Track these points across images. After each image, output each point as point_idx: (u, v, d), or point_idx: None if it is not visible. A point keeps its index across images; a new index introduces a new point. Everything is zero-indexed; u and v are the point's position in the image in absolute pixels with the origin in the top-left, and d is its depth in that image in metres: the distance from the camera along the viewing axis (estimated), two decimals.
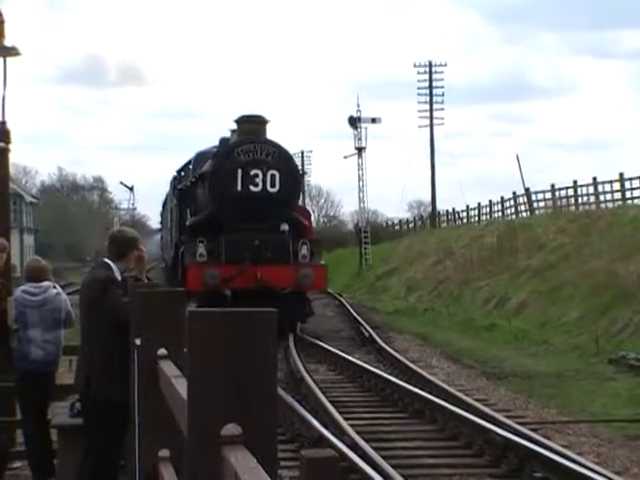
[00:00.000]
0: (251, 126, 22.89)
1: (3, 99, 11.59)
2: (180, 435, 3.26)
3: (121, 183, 69.03)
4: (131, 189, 68.14)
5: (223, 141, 24.40)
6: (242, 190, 21.98)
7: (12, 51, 11.60)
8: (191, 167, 27.23)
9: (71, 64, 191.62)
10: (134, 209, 67.75)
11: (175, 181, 30.23)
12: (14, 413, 10.25)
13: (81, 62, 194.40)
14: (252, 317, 2.57)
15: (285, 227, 23.23)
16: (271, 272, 21.18)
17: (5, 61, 11.43)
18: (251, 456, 2.35)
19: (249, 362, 2.52)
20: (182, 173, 29.47)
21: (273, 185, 22.05)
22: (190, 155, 28.29)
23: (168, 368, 4.41)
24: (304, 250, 22.28)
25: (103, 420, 7.62)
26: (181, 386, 3.28)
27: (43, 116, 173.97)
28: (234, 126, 24.00)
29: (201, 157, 26.09)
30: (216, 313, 2.57)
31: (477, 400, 14.13)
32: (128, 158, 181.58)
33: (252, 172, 21.84)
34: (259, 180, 21.87)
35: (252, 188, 21.93)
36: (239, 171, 21.87)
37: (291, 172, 23.16)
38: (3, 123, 11.48)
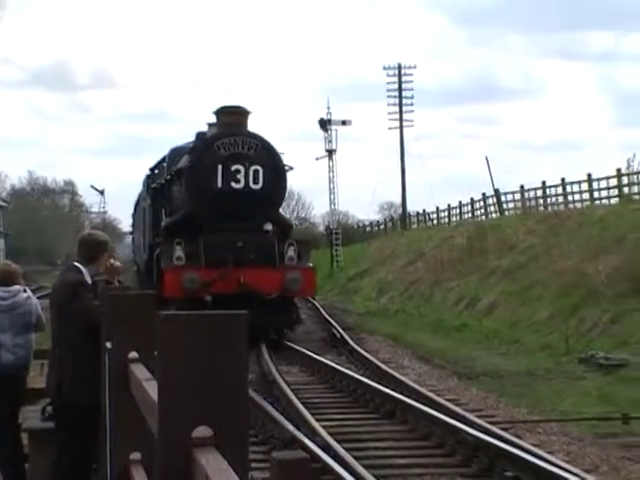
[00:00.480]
0: (231, 118, 21.15)
1: None
2: (151, 437, 3.25)
3: (92, 187, 70.01)
4: (102, 192, 68.91)
5: (200, 135, 22.51)
6: (222, 187, 20.35)
7: None
8: (165, 164, 24.91)
9: (40, 67, 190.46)
10: (105, 212, 68.53)
11: (149, 179, 27.58)
12: None
13: (50, 65, 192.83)
14: (224, 319, 2.55)
15: (269, 227, 21.74)
16: (255, 276, 19.43)
17: None
18: (222, 458, 2.32)
19: (220, 364, 2.51)
20: (156, 171, 27.02)
21: (256, 181, 20.38)
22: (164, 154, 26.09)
23: (139, 371, 4.41)
24: (291, 252, 20.40)
25: (74, 423, 7.67)
26: (152, 389, 3.26)
27: (12, 120, 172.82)
28: (211, 122, 22.53)
29: (176, 153, 24.01)
30: (187, 315, 2.56)
31: (448, 400, 14.14)
32: (99, 161, 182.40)
33: (233, 167, 20.18)
34: (241, 176, 20.20)
35: (233, 185, 20.26)
36: (219, 166, 20.26)
37: (275, 167, 21.20)
38: None
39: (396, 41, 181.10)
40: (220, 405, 2.51)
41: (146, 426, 3.50)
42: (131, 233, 33.55)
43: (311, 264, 21.78)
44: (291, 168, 21.97)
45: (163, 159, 25.72)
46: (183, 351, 2.53)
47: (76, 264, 8.11)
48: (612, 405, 14.50)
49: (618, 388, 15.71)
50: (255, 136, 21.14)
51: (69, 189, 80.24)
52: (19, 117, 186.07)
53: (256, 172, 20.27)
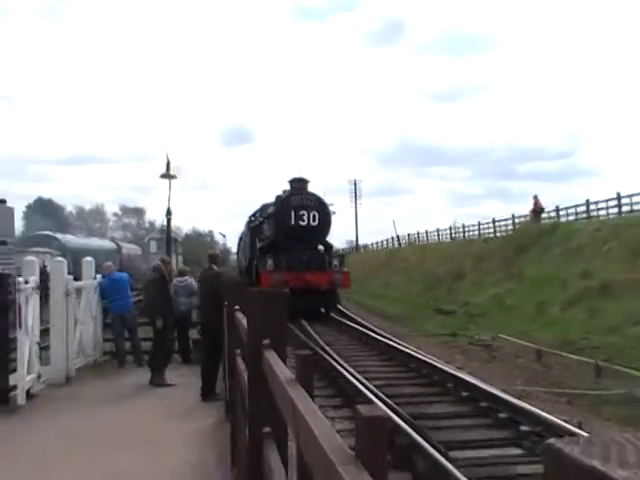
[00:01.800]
0: (298, 184, 31.80)
1: None
2: (243, 346, 6.14)
3: (220, 233, 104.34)
4: (224, 235, 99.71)
5: (278, 196, 33.12)
6: (294, 223, 30.56)
7: None
8: (258, 214, 37.36)
9: None
10: (225, 244, 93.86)
11: (249, 222, 40.34)
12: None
13: None
14: (272, 293, 5.23)
15: (321, 247, 32.05)
16: (315, 276, 29.27)
17: None
18: (275, 354, 4.53)
19: (272, 309, 4.98)
20: (252, 217, 39.54)
21: (314, 220, 30.85)
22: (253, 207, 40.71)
23: (243, 320, 6.88)
24: (335, 262, 31.29)
25: (208, 335, 14.56)
26: (244, 322, 6.05)
27: None
28: (284, 189, 33.25)
29: (265, 206, 35.77)
30: (258, 290, 5.31)
31: (376, 327, 25.72)
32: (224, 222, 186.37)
33: (300, 212, 30.73)
34: (305, 217, 30.68)
35: (300, 222, 30.61)
36: (292, 211, 30.70)
37: (325, 212, 31.84)
38: None
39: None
40: (273, 329, 4.95)
41: (243, 339, 6.33)
42: (237, 253, 51.62)
43: (346, 269, 32.10)
44: (334, 212, 33.20)
45: (257, 211, 38.34)
46: (255, 304, 5.06)
47: (212, 265, 15.95)
48: (448, 329, 26.11)
49: (451, 321, 28.77)
50: (313, 194, 31.95)
51: (211, 234, 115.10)
52: None
53: (314, 215, 30.93)
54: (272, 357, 4.31)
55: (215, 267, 16.07)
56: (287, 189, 33.03)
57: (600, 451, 0.59)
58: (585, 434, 9.47)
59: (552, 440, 0.63)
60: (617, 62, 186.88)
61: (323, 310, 30.77)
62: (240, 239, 47.68)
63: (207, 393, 13.99)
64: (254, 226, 37.42)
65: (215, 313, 13.70)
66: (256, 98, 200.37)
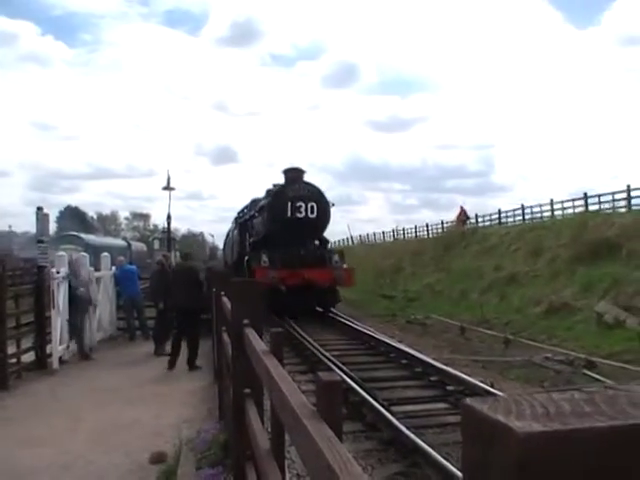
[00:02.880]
0: (294, 173, 24.55)
1: None
2: (228, 324, 6.00)
3: (209, 234, 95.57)
4: (212, 236, 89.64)
5: (269, 190, 25.78)
6: (291, 216, 23.30)
7: None
8: (247, 209, 29.50)
9: None
10: (213, 243, 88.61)
11: (237, 219, 32.03)
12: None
13: None
14: (250, 283, 5.17)
15: (317, 242, 24.99)
16: (314, 273, 22.08)
17: None
18: (254, 331, 4.73)
19: (250, 294, 5.00)
20: (240, 214, 31.41)
21: (312, 213, 23.54)
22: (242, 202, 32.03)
23: (227, 303, 6.90)
24: (336, 257, 23.67)
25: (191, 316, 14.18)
26: (228, 305, 5.92)
27: None
28: (275, 183, 25.92)
29: (255, 201, 27.87)
30: (239, 281, 5.21)
31: (343, 313, 22.89)
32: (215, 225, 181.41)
33: (297, 204, 23.47)
34: (302, 209, 23.47)
35: (297, 215, 23.40)
36: (289, 203, 23.37)
37: (324, 204, 24.13)
38: None
39: None
40: (252, 311, 4.98)
41: (227, 318, 6.21)
42: (222, 249, 44.43)
43: (345, 265, 24.12)
44: (333, 204, 24.69)
45: (246, 206, 30.15)
46: (237, 291, 5.05)
47: (186, 260, 16.53)
48: (391, 310, 25.95)
49: (393, 305, 28.13)
50: (311, 184, 24.32)
51: (202, 235, 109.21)
52: None
53: (312, 207, 23.46)
54: (251, 333, 4.33)
55: (189, 261, 16.60)
56: (278, 183, 25.61)
57: (503, 407, 0.60)
58: (497, 392, 9.59)
59: (467, 400, 0.64)
60: (523, 101, 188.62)
61: (320, 309, 23.35)
62: (227, 236, 39.11)
63: (191, 364, 14.12)
64: (243, 221, 29.48)
65: (190, 298, 14.06)
66: (239, 127, 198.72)
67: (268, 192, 25.71)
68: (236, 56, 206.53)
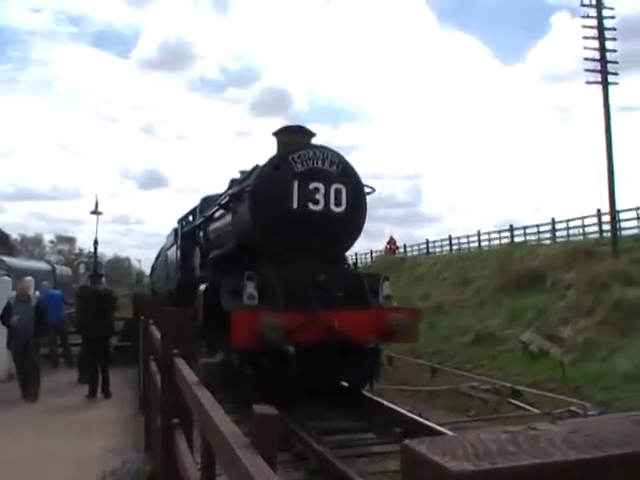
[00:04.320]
0: (299, 136, 12.99)
1: None
2: (157, 353, 5.96)
3: (136, 259, 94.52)
4: (139, 261, 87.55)
5: (233, 182, 14.99)
6: (298, 208, 12.22)
7: None
8: (196, 212, 18.52)
9: None
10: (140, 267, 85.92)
11: (176, 231, 20.61)
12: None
13: None
14: (182, 312, 5.17)
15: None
16: (351, 319, 11.09)
17: None
18: (183, 360, 4.66)
19: (183, 328, 5.01)
20: (184, 222, 20.03)
21: (338, 203, 12.49)
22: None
23: (155, 332, 6.77)
24: (386, 289, 12.18)
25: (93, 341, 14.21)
26: (157, 334, 5.90)
27: None
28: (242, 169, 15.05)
29: (209, 201, 17.25)
30: (169, 309, 5.21)
31: None
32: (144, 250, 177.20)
33: (312, 185, 12.28)
34: (320, 196, 12.35)
35: (311, 206, 12.31)
36: (295, 183, 12.18)
37: (359, 188, 12.99)
38: None
39: None
40: (182, 341, 4.97)
41: (155, 348, 6.18)
42: (150, 275, 37.70)
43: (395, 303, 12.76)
44: (373, 190, 13.36)
45: (194, 209, 19.20)
46: (168, 320, 5.05)
47: (94, 283, 15.35)
48: None
49: None
50: (334, 151, 12.84)
51: (128, 260, 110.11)
52: None
53: (338, 192, 12.48)
54: (181, 363, 4.34)
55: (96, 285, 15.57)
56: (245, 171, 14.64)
57: (439, 448, 0.67)
58: (423, 421, 9.75)
59: (407, 440, 0.71)
60: (452, 133, 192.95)
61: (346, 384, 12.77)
62: (157, 257, 29.31)
63: (107, 392, 14.07)
64: (190, 230, 18.44)
65: (104, 324, 14.10)
66: (167, 151, 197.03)
67: (249, 171, 13.96)
68: (166, 79, 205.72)
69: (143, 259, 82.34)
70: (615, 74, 24.02)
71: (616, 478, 0.66)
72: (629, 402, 12.34)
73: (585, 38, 24.11)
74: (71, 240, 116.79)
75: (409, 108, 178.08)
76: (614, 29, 24.25)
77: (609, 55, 23.95)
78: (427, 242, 43.83)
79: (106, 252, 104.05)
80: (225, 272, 12.84)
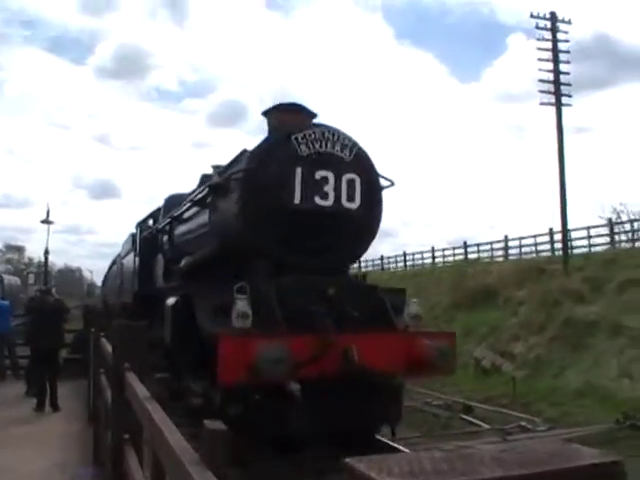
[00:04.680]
0: (293, 119, 9.66)
1: None
2: (108, 367, 5.90)
3: (87, 270, 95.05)
4: (91, 272, 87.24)
5: (205, 179, 11.68)
6: (303, 203, 9.26)
7: None
8: (160, 213, 15.19)
9: None
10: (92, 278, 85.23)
11: (134, 236, 17.31)
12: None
13: None
14: (135, 327, 5.18)
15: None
16: (374, 347, 8.24)
17: None
18: (134, 374, 4.65)
19: (135, 342, 4.98)
20: (142, 226, 16.58)
21: (351, 198, 9.58)
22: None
23: (107, 345, 6.94)
24: (414, 307, 9.21)
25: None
26: (108, 347, 5.83)
27: None
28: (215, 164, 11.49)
29: (175, 199, 14.05)
30: (120, 323, 5.20)
31: None
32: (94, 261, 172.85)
33: (319, 174, 9.37)
34: (329, 188, 9.47)
35: (319, 201, 9.34)
36: (298, 171, 9.23)
37: (375, 180, 10.09)
38: None
39: None
40: (134, 355, 4.93)
41: (106, 361, 6.13)
42: (102, 285, 34.60)
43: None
44: (392, 183, 10.41)
45: (157, 210, 15.87)
46: (119, 334, 5.03)
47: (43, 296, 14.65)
48: None
49: None
50: (346, 135, 9.73)
51: (79, 270, 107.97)
52: None
53: (351, 183, 9.61)
54: (132, 378, 4.33)
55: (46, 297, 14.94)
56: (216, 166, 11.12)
57: (377, 466, 0.72)
58: (381, 438, 9.78)
59: (347, 459, 0.76)
60: (407, 148, 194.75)
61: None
62: (110, 267, 26.28)
63: (55, 405, 13.78)
64: (150, 234, 15.32)
65: (54, 336, 13.82)
66: (121, 161, 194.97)
67: (235, 156, 10.41)
68: (122, 88, 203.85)
69: (95, 270, 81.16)
70: (569, 96, 24.60)
71: None
72: (578, 417, 12.60)
73: (540, 60, 24.65)
74: (20, 249, 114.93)
75: (365, 124, 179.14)
76: (568, 52, 24.86)
77: (563, 77, 24.53)
78: (382, 258, 44.12)
79: (56, 262, 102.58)
80: (202, 282, 10.01)
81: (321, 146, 9.33)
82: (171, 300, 9.74)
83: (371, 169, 9.95)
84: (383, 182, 10.10)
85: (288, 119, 9.58)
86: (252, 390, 7.83)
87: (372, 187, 9.85)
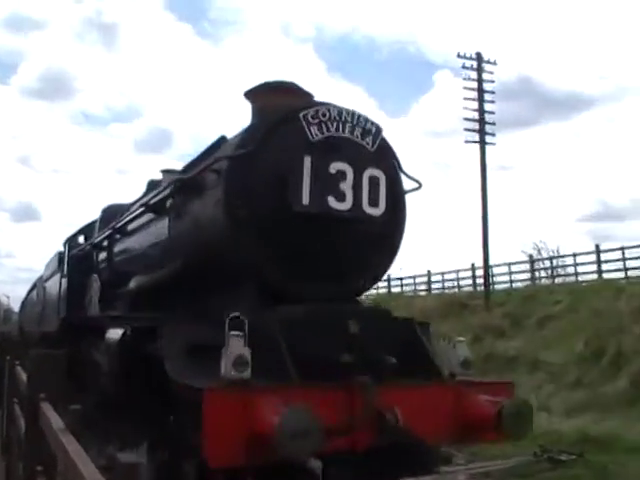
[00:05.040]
0: (286, 100, 6.34)
1: None
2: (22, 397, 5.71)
3: (4, 294, 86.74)
4: (8, 297, 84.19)
5: (154, 186, 8.95)
6: (312, 204, 5.68)
7: None
8: (97, 225, 12.19)
9: None
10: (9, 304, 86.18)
11: (65, 252, 13.31)
12: None
13: None
14: (52, 356, 5.07)
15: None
16: (421, 406, 5.02)
17: None
18: (49, 404, 4.56)
19: (51, 372, 4.88)
20: (71, 243, 13.30)
21: (374, 202, 6.05)
22: None
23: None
24: (463, 349, 5.84)
25: None
26: (24, 377, 5.67)
27: None
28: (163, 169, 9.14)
29: (115, 210, 11.29)
30: (37, 352, 5.10)
31: None
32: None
33: (334, 167, 5.77)
34: (346, 186, 5.83)
35: (333, 203, 5.76)
36: (307, 161, 5.67)
37: (399, 182, 6.73)
38: None
39: None
40: (50, 385, 4.82)
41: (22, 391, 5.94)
42: (20, 310, 30.52)
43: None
44: (419, 185, 6.97)
45: (90, 224, 12.99)
46: (35, 363, 4.92)
47: None
48: None
49: None
50: (365, 117, 6.20)
51: None
52: None
53: (374, 182, 6.10)
54: (47, 408, 4.25)
55: None
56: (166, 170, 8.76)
57: None
58: None
59: None
60: None
61: None
62: (29, 291, 22.04)
63: None
64: (80, 253, 12.08)
65: None
66: (43, 184, 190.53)
67: (213, 142, 7.28)
68: (47, 110, 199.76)
69: (12, 296, 78.70)
70: (492, 135, 25.31)
71: None
72: (497, 451, 12.80)
73: (465, 99, 25.34)
74: None
75: None
76: (493, 92, 25.62)
77: (487, 116, 25.24)
78: None
79: None
80: (163, 311, 6.81)
81: (337, 130, 6.08)
82: (115, 333, 6.90)
83: (396, 165, 6.94)
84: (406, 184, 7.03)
85: (280, 101, 6.53)
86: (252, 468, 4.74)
87: (397, 189, 6.85)
